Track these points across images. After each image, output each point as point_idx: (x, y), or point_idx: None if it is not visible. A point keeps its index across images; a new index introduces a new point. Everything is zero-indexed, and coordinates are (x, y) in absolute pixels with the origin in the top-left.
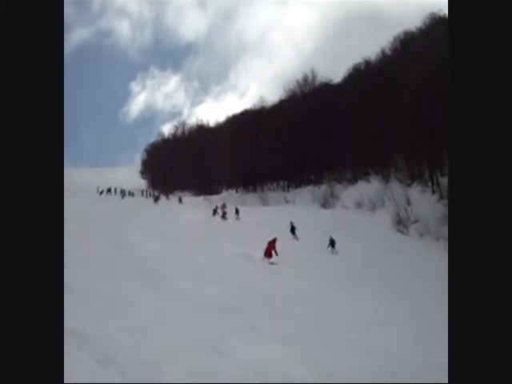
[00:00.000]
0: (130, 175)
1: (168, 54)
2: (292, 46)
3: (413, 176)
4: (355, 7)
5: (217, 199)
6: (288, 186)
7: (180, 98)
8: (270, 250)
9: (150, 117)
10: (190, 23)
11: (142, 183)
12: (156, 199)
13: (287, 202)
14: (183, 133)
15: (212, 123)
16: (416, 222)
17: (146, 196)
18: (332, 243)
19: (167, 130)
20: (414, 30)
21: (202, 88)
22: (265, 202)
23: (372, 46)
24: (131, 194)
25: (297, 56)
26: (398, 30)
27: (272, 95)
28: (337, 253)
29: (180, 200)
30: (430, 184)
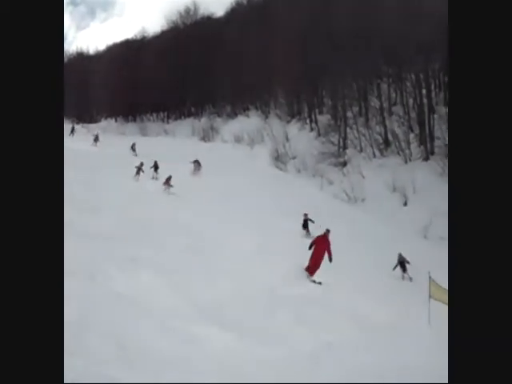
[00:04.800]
0: None
1: None
2: None
3: (292, 113)
4: None
5: (95, 127)
6: (168, 118)
7: (65, 22)
8: (319, 254)
9: None
10: None
11: None
12: None
13: (167, 133)
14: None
15: (92, 51)
16: (294, 158)
17: None
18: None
19: None
20: None
21: (89, 13)
22: (144, 133)
23: None
24: None
25: None
26: None
27: (154, 26)
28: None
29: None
30: (308, 121)
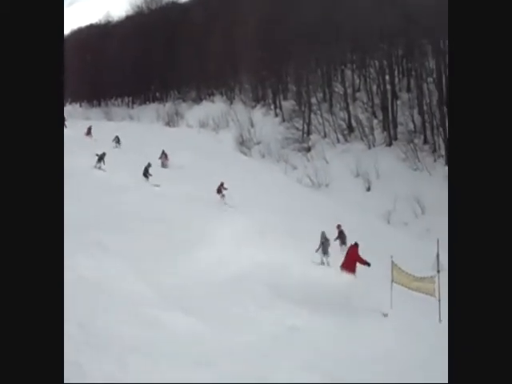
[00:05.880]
0: None
1: None
2: None
3: (257, 98)
4: None
5: None
6: (133, 103)
7: None
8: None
9: None
10: None
11: None
12: None
13: (132, 118)
14: None
15: None
16: (258, 143)
17: None
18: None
19: None
20: None
21: None
22: (109, 118)
23: None
24: None
25: None
26: None
27: (119, 11)
28: (182, 167)
29: None
30: (272, 107)
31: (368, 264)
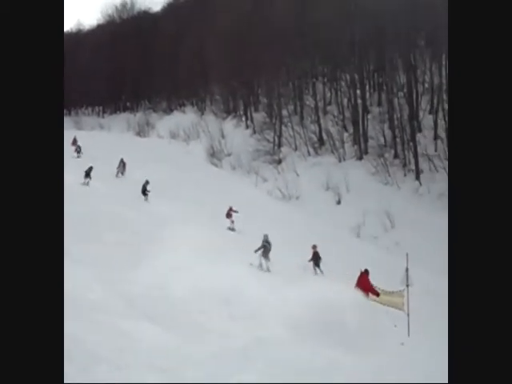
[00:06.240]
0: None
1: None
2: None
3: (228, 110)
4: None
5: None
6: (103, 112)
7: None
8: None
9: None
10: None
11: None
12: None
13: (102, 127)
14: None
15: None
16: (229, 155)
17: None
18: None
19: None
20: None
21: None
22: (79, 127)
23: None
24: None
25: None
26: None
27: (90, 19)
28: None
29: None
30: (243, 119)
31: (377, 294)
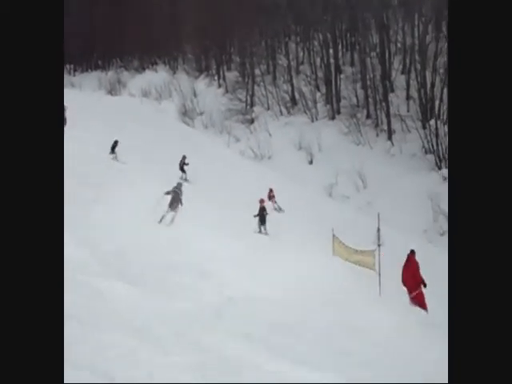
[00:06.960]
0: None
1: None
2: None
3: (200, 68)
4: None
5: None
6: (74, 70)
7: None
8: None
9: None
10: None
11: None
12: None
13: (73, 86)
14: None
15: None
16: (201, 114)
17: None
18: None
19: None
20: None
21: None
22: None
23: None
24: None
25: None
26: None
27: None
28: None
29: None
30: (216, 78)
31: (425, 285)
